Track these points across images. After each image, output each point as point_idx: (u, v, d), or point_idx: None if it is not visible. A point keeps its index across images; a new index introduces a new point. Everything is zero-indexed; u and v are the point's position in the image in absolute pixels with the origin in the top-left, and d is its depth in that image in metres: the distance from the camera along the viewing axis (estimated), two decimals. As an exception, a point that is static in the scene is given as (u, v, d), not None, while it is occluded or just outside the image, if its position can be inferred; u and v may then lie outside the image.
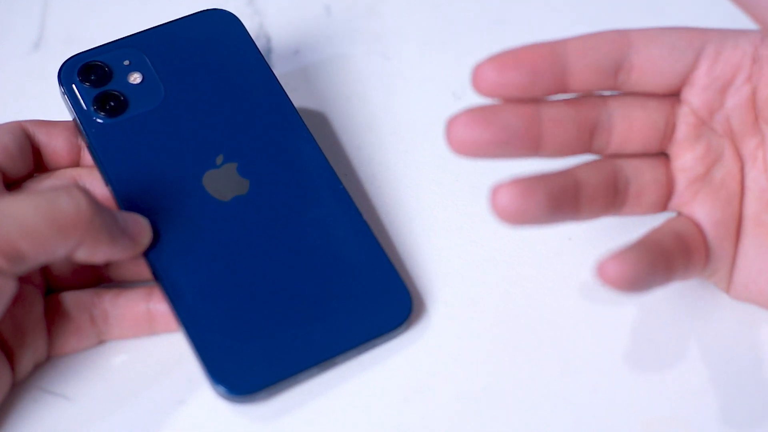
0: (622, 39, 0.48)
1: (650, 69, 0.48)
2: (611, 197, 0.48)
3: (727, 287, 0.50)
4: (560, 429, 0.48)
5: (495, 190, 0.46)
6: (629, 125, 0.49)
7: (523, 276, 0.52)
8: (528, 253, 0.53)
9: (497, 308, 0.51)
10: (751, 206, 0.49)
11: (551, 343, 0.50)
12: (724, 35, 0.48)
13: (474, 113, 0.46)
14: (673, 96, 0.49)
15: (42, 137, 0.52)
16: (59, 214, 0.45)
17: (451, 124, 0.47)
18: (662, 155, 0.50)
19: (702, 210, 0.49)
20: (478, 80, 0.47)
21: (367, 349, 0.50)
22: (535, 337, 0.51)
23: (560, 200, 0.46)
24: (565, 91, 0.48)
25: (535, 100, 0.47)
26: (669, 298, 0.51)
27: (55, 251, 0.46)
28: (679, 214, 0.49)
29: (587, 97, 0.49)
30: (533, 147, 0.47)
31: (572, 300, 0.51)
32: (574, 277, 0.51)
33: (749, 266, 0.49)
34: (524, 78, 0.47)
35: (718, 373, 0.49)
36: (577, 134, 0.48)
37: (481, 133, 0.46)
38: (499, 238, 0.53)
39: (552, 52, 0.47)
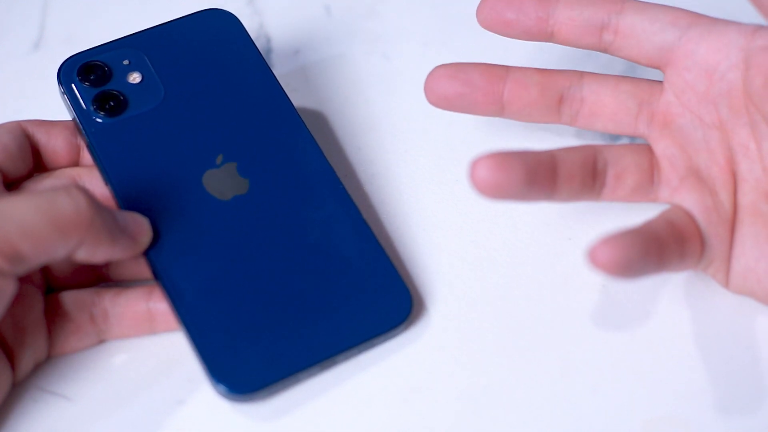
0: (615, 3, 0.50)
1: (631, 36, 0.50)
2: (589, 178, 0.49)
3: (725, 279, 0.50)
4: (560, 429, 0.48)
5: (474, 164, 0.47)
6: (598, 100, 0.51)
7: (523, 276, 0.52)
8: (528, 253, 0.53)
9: (497, 308, 0.51)
10: (746, 196, 0.49)
11: (551, 343, 0.50)
12: (714, 23, 0.49)
13: (446, 67, 0.51)
14: (656, 84, 0.51)
15: (41, 137, 0.52)
16: (59, 214, 0.45)
17: (429, 77, 0.51)
18: (648, 144, 0.51)
19: (691, 198, 0.49)
20: (479, 14, 0.52)
21: (367, 348, 0.50)
22: (535, 337, 0.51)
23: (537, 175, 0.48)
24: (550, 39, 0.51)
25: (506, 66, 0.51)
26: (669, 298, 0.51)
27: (56, 252, 0.46)
28: (673, 205, 0.50)
29: (564, 70, 0.51)
30: (496, 104, 0.51)
31: (572, 300, 0.51)
32: (574, 277, 0.51)
33: (747, 255, 0.49)
34: (511, 14, 0.51)
35: (717, 373, 0.49)
36: (541, 98, 0.51)
37: (448, 85, 0.51)
38: (499, 238, 0.53)
39: None
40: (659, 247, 0.47)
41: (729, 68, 0.48)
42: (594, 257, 0.46)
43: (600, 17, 0.50)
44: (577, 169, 0.49)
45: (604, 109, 0.51)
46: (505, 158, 0.47)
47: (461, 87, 0.51)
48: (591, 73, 0.52)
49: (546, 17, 0.51)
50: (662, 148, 0.50)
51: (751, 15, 0.52)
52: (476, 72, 0.51)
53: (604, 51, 0.51)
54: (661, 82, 0.51)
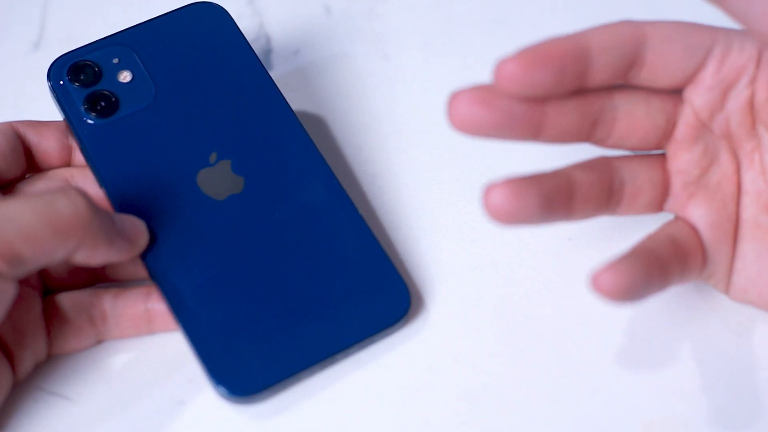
0: (637, 34, 0.47)
1: (661, 67, 0.47)
2: (605, 198, 0.48)
3: (726, 289, 0.49)
4: (560, 429, 0.48)
5: (488, 190, 0.45)
6: (632, 120, 0.48)
7: (523, 276, 0.52)
8: (528, 254, 0.53)
9: (497, 308, 0.51)
10: (748, 209, 0.49)
11: (551, 343, 0.50)
12: (730, 36, 0.48)
13: (478, 92, 0.46)
14: (677, 95, 0.49)
15: (33, 138, 0.52)
16: (58, 216, 0.45)
17: (454, 99, 0.46)
18: (659, 155, 0.50)
19: (697, 212, 0.49)
20: (501, 78, 0.45)
21: (366, 346, 0.50)
22: (535, 337, 0.51)
23: (553, 200, 0.46)
24: (582, 87, 0.47)
25: None
26: (669, 299, 0.51)
27: (54, 254, 0.46)
28: (676, 217, 0.49)
29: (594, 89, 0.48)
30: (534, 132, 0.47)
31: (572, 300, 0.51)
32: (573, 278, 0.51)
33: (748, 269, 0.49)
34: (552, 77, 0.45)
35: (717, 374, 0.49)
36: (580, 123, 0.47)
37: (482, 113, 0.45)
38: (498, 238, 0.53)
39: (577, 50, 0.46)
40: (661, 268, 0.46)
41: (746, 84, 0.48)
42: (597, 284, 0.45)
43: (632, 54, 0.47)
44: (594, 191, 0.48)
45: (637, 130, 0.48)
46: (520, 185, 0.45)
47: (499, 115, 0.46)
48: (619, 88, 0.48)
49: (585, 69, 0.46)
50: (678, 163, 0.49)
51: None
52: (515, 99, 0.46)
53: (628, 83, 0.48)
54: (679, 93, 0.49)
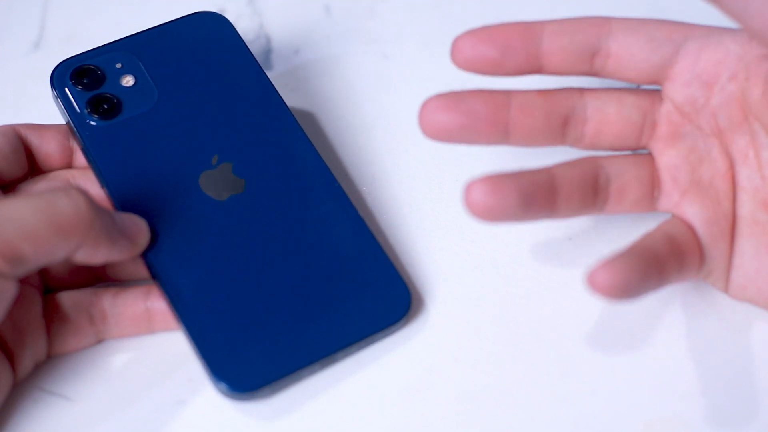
0: (602, 25, 0.48)
1: (626, 57, 0.48)
2: (590, 195, 0.49)
3: (725, 287, 0.49)
4: (560, 429, 0.48)
5: (468, 186, 0.46)
6: (604, 118, 0.49)
7: (523, 276, 0.52)
8: (528, 254, 0.53)
9: (497, 308, 0.51)
10: (745, 205, 0.49)
11: (551, 343, 0.50)
12: (708, 33, 0.48)
13: (443, 98, 0.48)
14: (656, 93, 0.50)
15: (34, 140, 0.52)
16: (59, 215, 0.45)
17: (423, 108, 0.48)
18: (648, 154, 0.50)
19: (692, 209, 0.49)
20: (455, 53, 0.48)
21: (366, 345, 0.50)
22: (535, 337, 0.51)
23: (533, 196, 0.47)
24: (539, 71, 0.49)
25: (506, 92, 0.48)
26: (669, 299, 0.51)
27: (56, 253, 0.46)
28: (673, 216, 0.49)
29: (564, 89, 0.49)
30: (500, 133, 0.48)
31: (572, 300, 0.51)
32: (573, 278, 0.51)
33: (746, 266, 0.49)
34: (496, 53, 0.48)
35: (718, 374, 0.49)
36: (547, 123, 0.49)
37: (448, 117, 0.48)
38: (499, 238, 0.53)
39: (527, 31, 0.48)
40: (658, 266, 0.47)
41: (728, 79, 0.48)
42: (593, 282, 0.45)
43: (591, 42, 0.48)
44: (577, 187, 0.48)
45: (610, 127, 0.49)
46: (499, 181, 0.46)
47: (463, 118, 0.47)
48: (591, 89, 0.50)
49: (536, 51, 0.48)
50: (665, 160, 0.49)
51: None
52: (478, 101, 0.48)
53: (596, 75, 0.49)
54: (659, 90, 0.50)
